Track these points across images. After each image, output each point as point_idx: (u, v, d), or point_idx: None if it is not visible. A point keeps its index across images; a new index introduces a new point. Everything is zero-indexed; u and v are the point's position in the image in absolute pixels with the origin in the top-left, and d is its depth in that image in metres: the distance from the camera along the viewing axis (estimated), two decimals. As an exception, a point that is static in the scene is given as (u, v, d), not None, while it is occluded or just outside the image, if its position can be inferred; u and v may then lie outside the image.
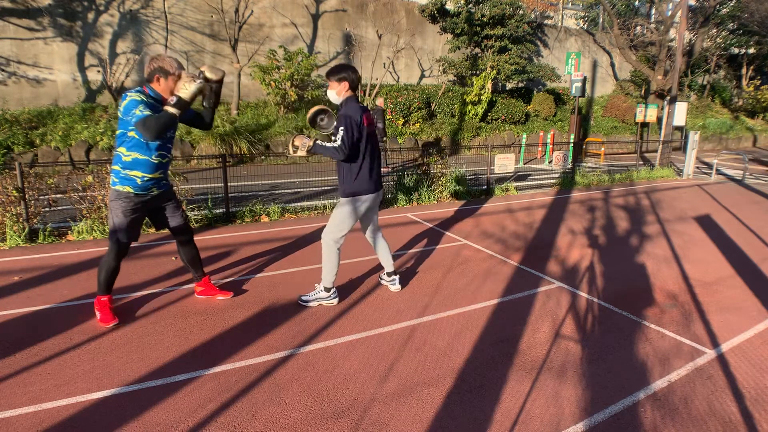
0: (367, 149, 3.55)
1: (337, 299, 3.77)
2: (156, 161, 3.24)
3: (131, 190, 3.20)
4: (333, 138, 3.42)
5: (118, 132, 3.17)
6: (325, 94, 14.41)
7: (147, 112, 2.99)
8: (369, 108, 12.81)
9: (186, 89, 3.07)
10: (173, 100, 3.06)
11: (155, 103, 3.16)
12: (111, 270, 3.34)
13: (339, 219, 3.61)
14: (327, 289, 3.72)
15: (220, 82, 3.31)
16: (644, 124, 18.45)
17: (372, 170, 3.61)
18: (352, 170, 3.55)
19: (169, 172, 5.86)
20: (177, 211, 3.52)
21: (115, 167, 3.19)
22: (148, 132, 2.96)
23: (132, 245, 3.43)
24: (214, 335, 3.24)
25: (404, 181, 7.78)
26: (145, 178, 3.22)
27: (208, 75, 3.24)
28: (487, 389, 2.72)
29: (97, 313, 3.37)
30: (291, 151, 3.50)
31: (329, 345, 3.17)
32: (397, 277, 4.07)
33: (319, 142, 3.47)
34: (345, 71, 3.53)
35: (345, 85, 3.53)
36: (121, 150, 3.16)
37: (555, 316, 3.67)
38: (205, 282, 3.80)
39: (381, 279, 4.18)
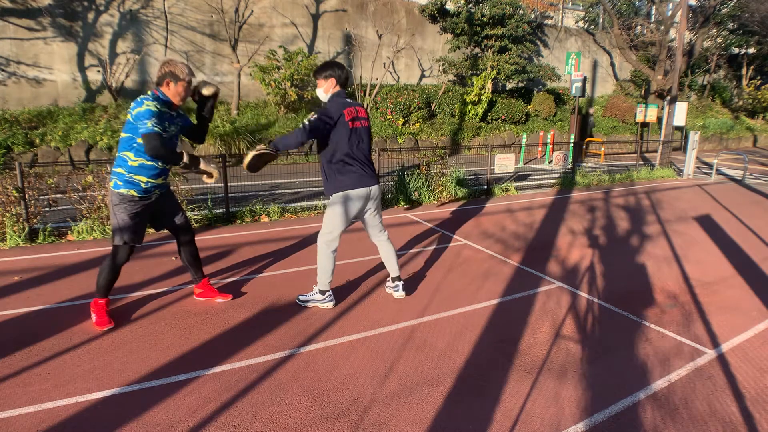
0: (347, 144, 3.42)
1: (332, 303, 3.70)
2: (161, 167, 3.26)
3: (135, 194, 3.19)
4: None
5: (124, 135, 3.14)
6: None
7: (158, 128, 3.03)
8: (587, 114, 13.31)
9: (206, 163, 3.27)
10: (186, 158, 3.17)
11: (164, 110, 3.17)
12: (111, 274, 3.31)
13: (328, 219, 3.55)
14: (322, 292, 3.67)
15: (214, 97, 3.41)
16: (644, 124, 18.45)
17: (354, 166, 3.48)
18: (332, 168, 3.47)
19: (169, 172, 5.91)
20: (178, 212, 3.52)
21: (119, 170, 3.17)
22: (151, 150, 3.02)
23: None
24: (214, 335, 3.24)
25: (405, 181, 7.78)
26: (150, 183, 3.22)
27: (204, 92, 3.35)
28: (487, 389, 2.72)
29: (93, 316, 3.35)
30: (247, 164, 3.29)
31: (329, 345, 3.16)
32: (400, 284, 3.88)
33: (280, 138, 3.36)
34: (331, 68, 3.48)
35: (332, 81, 3.48)
36: (128, 154, 3.14)
37: (555, 316, 3.67)
38: (205, 284, 3.79)
39: (386, 285, 4.08)
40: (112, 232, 3.27)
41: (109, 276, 3.32)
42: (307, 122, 3.31)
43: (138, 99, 3.08)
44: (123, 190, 3.18)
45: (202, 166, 3.26)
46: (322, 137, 3.43)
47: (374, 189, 3.61)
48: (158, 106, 3.10)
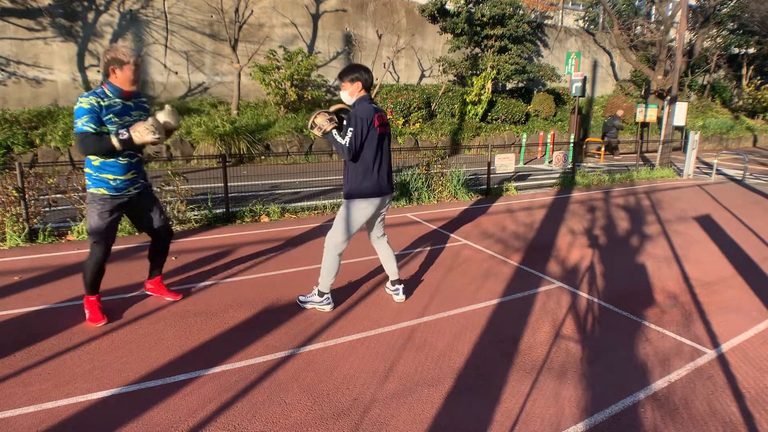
0: (375, 150, 3.44)
1: (330, 306, 3.67)
2: (124, 162, 3.18)
3: (106, 192, 3.16)
4: (342, 135, 3.39)
5: None
6: (325, 95, 14.46)
7: (88, 127, 2.94)
8: (614, 116, 13.53)
9: (140, 135, 3.04)
10: (125, 135, 3.01)
11: (114, 102, 3.08)
12: (94, 272, 3.29)
13: (339, 222, 3.55)
14: (321, 294, 3.65)
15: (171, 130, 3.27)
16: (644, 124, 18.44)
17: (378, 172, 3.49)
18: (357, 170, 3.47)
19: (169, 172, 5.91)
20: (158, 213, 3.47)
21: (88, 170, 3.15)
22: (82, 149, 2.96)
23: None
24: (214, 335, 3.24)
25: (405, 181, 7.78)
26: (118, 180, 3.18)
27: (161, 118, 3.15)
28: (487, 389, 2.72)
29: (86, 312, 3.36)
30: (309, 125, 3.50)
31: (329, 345, 3.16)
32: (401, 287, 3.87)
33: (334, 132, 3.43)
34: (357, 71, 3.47)
35: (358, 85, 3.47)
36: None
37: (555, 316, 3.67)
38: (158, 282, 3.77)
39: (386, 287, 4.09)
40: (87, 231, 3.26)
41: (92, 274, 3.29)
42: (348, 143, 3.33)
43: (78, 97, 3.01)
44: (93, 189, 3.15)
45: (137, 141, 3.06)
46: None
47: (386, 197, 3.63)
48: (98, 101, 3.00)
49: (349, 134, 3.34)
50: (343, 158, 3.46)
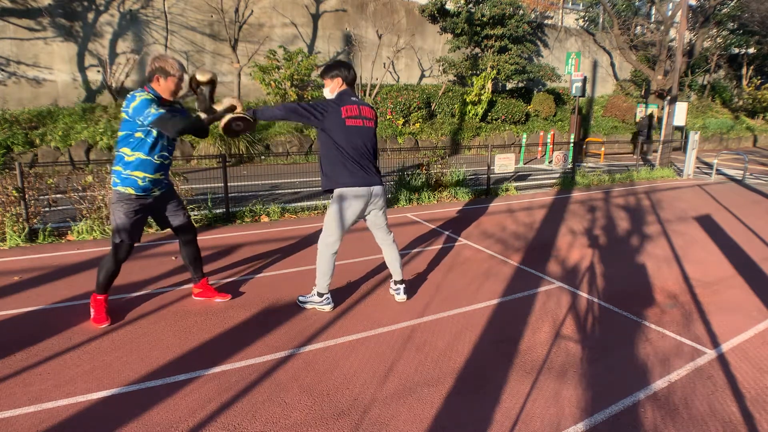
0: (346, 141, 3.37)
1: (330, 306, 3.65)
2: (158, 162, 3.25)
3: (132, 192, 3.20)
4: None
5: (121, 133, 3.14)
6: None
7: (162, 110, 3.04)
8: (649, 115, 13.63)
9: (200, 74, 3.21)
10: (204, 117, 3.24)
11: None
12: (111, 271, 3.33)
13: (328, 221, 3.52)
14: (320, 294, 3.63)
15: (211, 84, 3.30)
16: (644, 124, 18.44)
17: (357, 164, 3.42)
18: (330, 162, 3.42)
19: (169, 172, 5.91)
20: (180, 211, 3.52)
21: (117, 168, 3.19)
22: (172, 128, 3.04)
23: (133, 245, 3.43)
24: (214, 335, 3.24)
25: (405, 181, 7.78)
26: (147, 179, 3.22)
27: (200, 78, 3.26)
28: (487, 389, 2.72)
29: (92, 311, 3.36)
30: (222, 128, 3.40)
31: (329, 345, 3.16)
32: (401, 287, 3.86)
33: (263, 108, 3.43)
34: (338, 68, 3.50)
35: (338, 81, 3.50)
36: (125, 150, 3.15)
37: (555, 316, 3.67)
38: (203, 284, 3.79)
39: (390, 287, 4.06)
40: (112, 229, 3.29)
41: (108, 272, 3.33)
42: (296, 104, 3.35)
43: (129, 96, 3.08)
44: (120, 188, 3.19)
45: (220, 108, 3.26)
46: (322, 133, 3.43)
47: (376, 189, 3.52)
48: (153, 96, 3.12)
49: (297, 104, 3.36)
50: (284, 118, 3.41)
